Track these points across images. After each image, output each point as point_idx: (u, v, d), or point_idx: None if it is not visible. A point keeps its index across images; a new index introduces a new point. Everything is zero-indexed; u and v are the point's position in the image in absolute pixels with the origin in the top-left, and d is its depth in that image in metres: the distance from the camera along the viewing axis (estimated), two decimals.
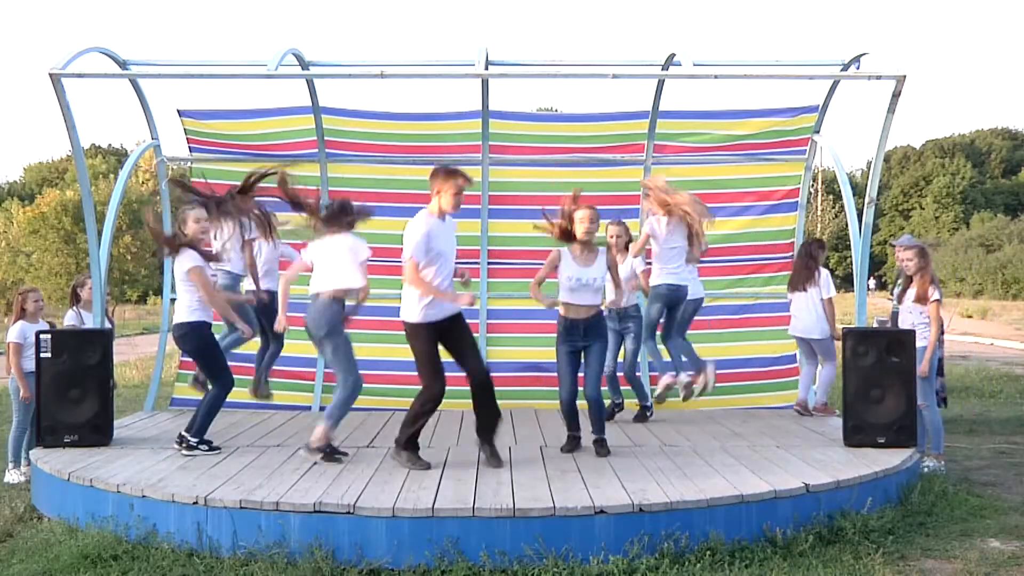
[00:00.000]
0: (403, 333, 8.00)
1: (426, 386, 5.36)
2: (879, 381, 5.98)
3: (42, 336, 6.13)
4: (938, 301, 6.65)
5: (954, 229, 55.67)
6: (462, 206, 5.45)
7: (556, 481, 5.00)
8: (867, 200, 6.60)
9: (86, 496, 5.11)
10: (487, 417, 5.47)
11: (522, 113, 8.51)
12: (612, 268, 5.95)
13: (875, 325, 7.65)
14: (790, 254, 8.27)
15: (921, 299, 6.62)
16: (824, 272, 7.33)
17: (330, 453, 5.57)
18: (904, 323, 6.74)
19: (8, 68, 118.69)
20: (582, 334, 5.75)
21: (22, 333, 6.50)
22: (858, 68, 6.64)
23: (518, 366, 8.15)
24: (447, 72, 7.14)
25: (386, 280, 8.04)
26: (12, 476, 6.48)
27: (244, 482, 5.00)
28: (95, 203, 7.18)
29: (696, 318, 6.85)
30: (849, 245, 6.90)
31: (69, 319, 6.91)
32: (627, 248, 6.84)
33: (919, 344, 6.29)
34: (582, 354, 5.83)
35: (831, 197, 42.10)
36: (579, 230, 5.70)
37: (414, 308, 5.33)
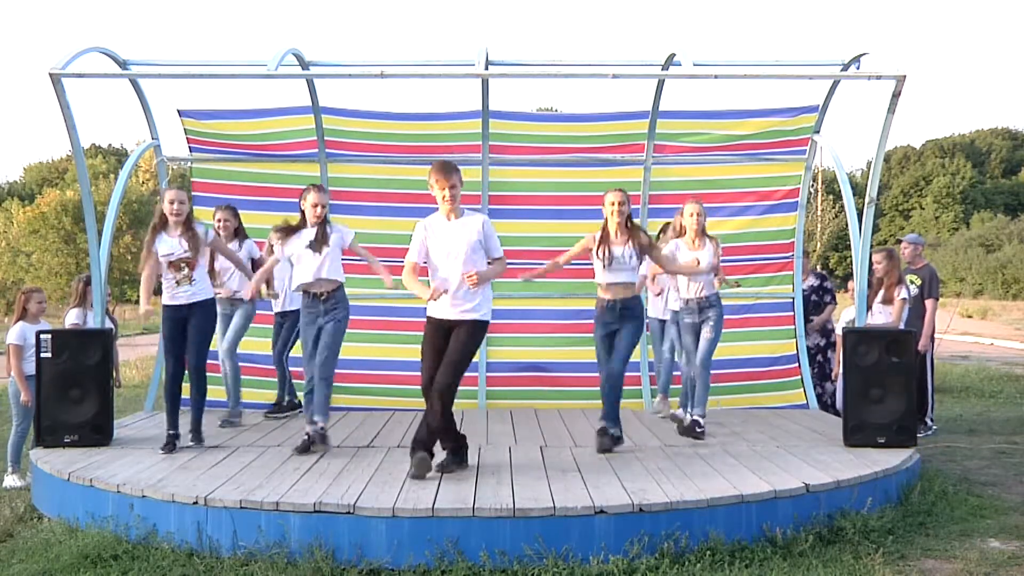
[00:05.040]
0: (403, 333, 8.10)
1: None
2: (879, 381, 5.98)
3: (42, 336, 6.11)
4: (904, 300, 7.32)
5: (954, 229, 55.64)
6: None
7: (556, 481, 5.00)
8: (867, 200, 6.60)
9: (86, 496, 5.11)
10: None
11: (522, 113, 8.50)
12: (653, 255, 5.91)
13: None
14: (790, 254, 8.27)
15: (888, 300, 7.28)
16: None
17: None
18: (872, 322, 7.19)
19: (8, 68, 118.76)
20: (618, 315, 5.72)
21: (22, 335, 6.41)
22: (858, 68, 6.63)
23: (518, 366, 8.15)
24: (447, 72, 7.13)
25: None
26: (11, 480, 6.41)
27: (244, 482, 5.00)
28: (95, 203, 7.16)
29: None
30: (849, 245, 6.90)
31: (74, 318, 6.76)
32: (704, 232, 6.47)
33: None
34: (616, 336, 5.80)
35: (831, 197, 42.05)
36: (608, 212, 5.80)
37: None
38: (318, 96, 7.86)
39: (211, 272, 6.77)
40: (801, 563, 4.46)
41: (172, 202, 6.00)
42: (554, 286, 8.15)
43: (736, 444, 6.17)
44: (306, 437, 5.87)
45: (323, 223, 5.92)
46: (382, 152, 8.24)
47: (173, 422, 6.02)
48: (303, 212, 5.96)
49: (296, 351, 7.02)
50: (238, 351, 7.15)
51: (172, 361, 6.06)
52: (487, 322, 5.26)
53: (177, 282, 5.98)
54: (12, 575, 4.47)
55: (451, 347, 5.14)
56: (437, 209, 5.33)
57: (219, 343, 7.05)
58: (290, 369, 7.43)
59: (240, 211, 7.26)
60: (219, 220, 6.96)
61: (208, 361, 6.17)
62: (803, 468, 5.33)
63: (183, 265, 5.98)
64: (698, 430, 6.33)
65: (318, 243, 5.83)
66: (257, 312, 7.27)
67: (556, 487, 4.84)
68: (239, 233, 7.06)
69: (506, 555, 4.37)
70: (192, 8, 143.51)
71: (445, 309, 5.18)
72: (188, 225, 6.06)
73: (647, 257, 6.07)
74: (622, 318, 5.78)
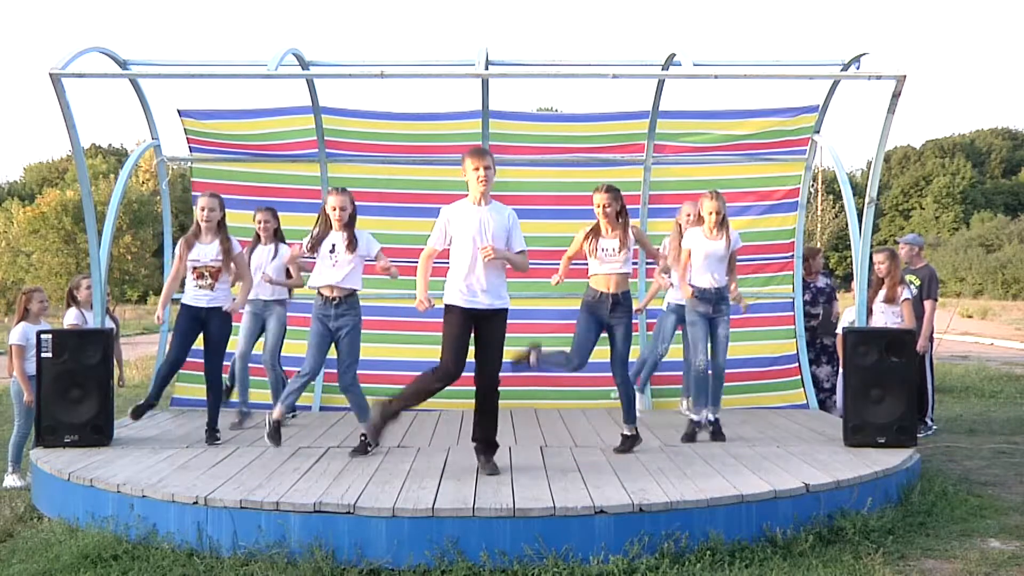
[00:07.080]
0: (403, 333, 8.10)
1: (440, 362, 5.24)
2: (879, 381, 5.98)
3: (43, 336, 6.11)
4: (909, 300, 7.31)
5: (954, 229, 55.66)
6: None
7: (556, 481, 5.00)
8: (867, 200, 6.60)
9: (86, 496, 5.11)
10: (477, 426, 5.38)
11: (522, 113, 8.51)
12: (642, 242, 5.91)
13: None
14: (790, 254, 8.28)
15: (890, 300, 7.28)
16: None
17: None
18: (875, 323, 7.22)
19: (8, 68, 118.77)
20: (608, 310, 5.71)
21: (24, 335, 6.38)
22: (858, 68, 6.63)
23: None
24: (447, 72, 7.13)
25: (387, 280, 8.03)
26: (11, 480, 6.40)
27: (244, 482, 5.00)
28: (95, 203, 7.16)
29: None
30: (849, 245, 6.90)
31: (72, 318, 6.75)
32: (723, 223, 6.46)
33: None
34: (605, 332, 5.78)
35: (831, 197, 42.09)
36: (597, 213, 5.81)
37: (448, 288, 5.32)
38: (318, 96, 7.87)
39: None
40: (801, 563, 4.46)
41: (203, 208, 6.21)
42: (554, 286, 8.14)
43: (736, 444, 6.17)
44: (269, 428, 5.87)
45: (351, 229, 5.86)
46: (382, 152, 8.25)
47: (155, 394, 6.29)
48: (327, 216, 5.89)
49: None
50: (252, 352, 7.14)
51: (176, 351, 6.20)
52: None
53: (199, 286, 6.19)
54: (12, 575, 4.47)
55: (493, 339, 5.27)
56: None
57: (238, 344, 7.02)
58: (284, 369, 7.43)
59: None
60: (260, 221, 7.00)
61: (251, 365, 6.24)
62: (803, 468, 5.33)
63: (206, 274, 6.17)
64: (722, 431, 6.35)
65: (346, 248, 5.79)
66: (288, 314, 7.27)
67: (556, 487, 4.85)
68: (278, 234, 7.08)
69: (506, 555, 4.36)
70: (192, 8, 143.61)
71: (478, 298, 5.21)
72: (222, 233, 6.27)
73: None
74: (612, 314, 5.73)
